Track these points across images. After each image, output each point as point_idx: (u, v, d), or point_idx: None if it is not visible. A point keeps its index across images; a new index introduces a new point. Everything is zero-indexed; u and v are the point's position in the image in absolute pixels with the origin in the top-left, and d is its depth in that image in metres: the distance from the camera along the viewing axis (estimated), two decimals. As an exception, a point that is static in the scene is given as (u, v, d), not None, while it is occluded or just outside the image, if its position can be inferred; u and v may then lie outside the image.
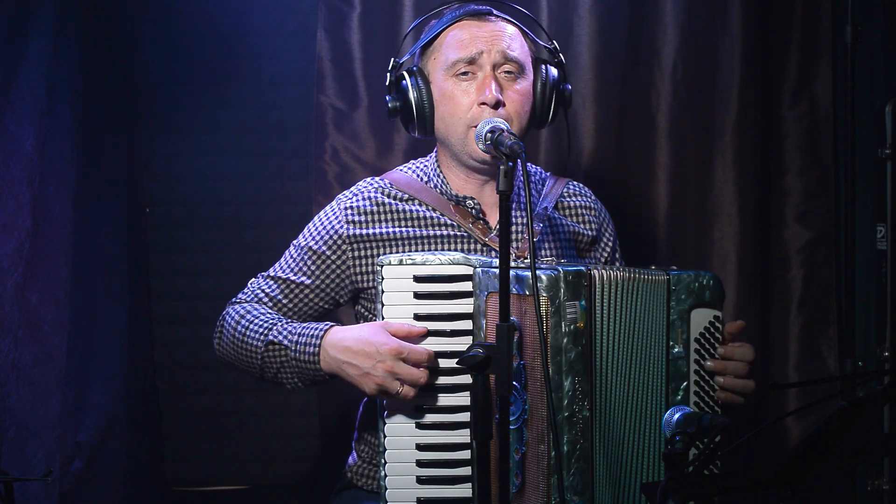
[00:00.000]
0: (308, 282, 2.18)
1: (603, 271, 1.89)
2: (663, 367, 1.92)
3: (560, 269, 1.84)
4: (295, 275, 2.19)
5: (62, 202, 2.54)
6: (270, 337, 2.08)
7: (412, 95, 2.13)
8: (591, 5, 2.86)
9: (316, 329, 2.03)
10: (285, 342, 2.06)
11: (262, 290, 2.21)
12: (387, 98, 2.18)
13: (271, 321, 2.12)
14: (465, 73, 2.10)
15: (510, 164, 1.76)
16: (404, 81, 2.15)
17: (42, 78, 2.44)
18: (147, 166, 3.15)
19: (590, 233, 2.28)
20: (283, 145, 3.18)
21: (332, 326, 2.03)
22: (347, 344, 1.97)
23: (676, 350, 1.92)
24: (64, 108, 2.55)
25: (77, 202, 2.61)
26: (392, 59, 2.19)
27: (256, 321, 2.12)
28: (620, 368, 1.89)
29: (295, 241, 2.23)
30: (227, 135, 3.18)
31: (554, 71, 2.19)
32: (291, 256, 2.22)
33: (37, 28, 2.42)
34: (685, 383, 1.93)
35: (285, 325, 2.09)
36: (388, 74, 2.18)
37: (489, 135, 1.92)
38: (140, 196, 3.14)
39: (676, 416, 1.74)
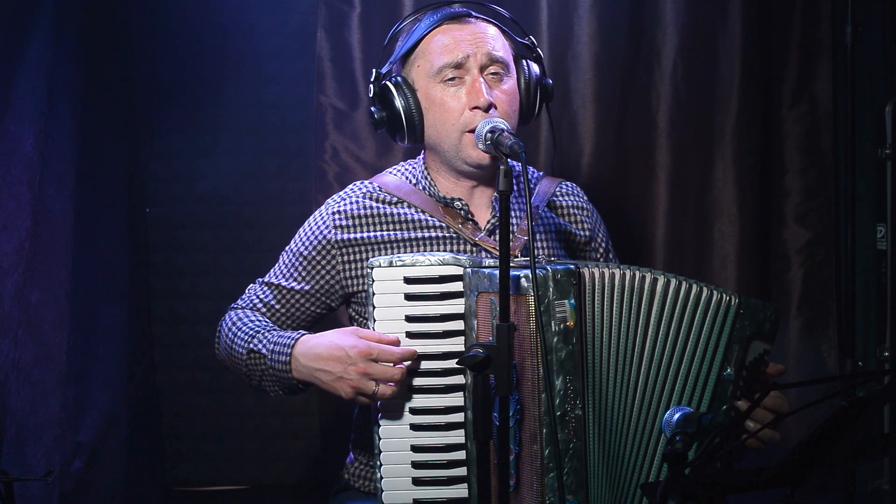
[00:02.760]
0: (299, 287, 2.18)
1: (595, 270, 1.88)
2: (711, 385, 1.90)
3: (549, 267, 1.84)
4: (287, 280, 2.19)
5: (62, 202, 2.54)
6: (252, 346, 2.09)
7: (399, 105, 2.11)
8: (591, 5, 2.86)
9: (288, 338, 2.03)
10: (263, 351, 2.07)
11: (258, 297, 2.21)
12: (372, 109, 2.15)
13: (256, 329, 2.12)
14: (452, 79, 2.09)
15: (510, 163, 1.76)
16: (389, 92, 2.12)
17: (42, 78, 2.43)
18: (147, 166, 3.16)
19: (582, 233, 2.28)
20: (283, 145, 3.19)
21: (303, 335, 2.03)
22: (318, 351, 1.97)
23: (728, 372, 1.90)
24: (64, 108, 2.55)
25: (77, 202, 2.60)
26: (374, 70, 2.16)
27: (244, 328, 2.13)
28: (622, 368, 1.88)
29: (287, 247, 2.23)
30: (227, 135, 3.18)
31: (535, 67, 2.19)
32: (284, 262, 2.22)
33: (37, 28, 2.42)
34: (726, 406, 1.90)
35: (266, 334, 2.09)
36: (371, 86, 2.15)
37: (489, 135, 1.92)
38: (140, 196, 3.14)
39: (676, 416, 1.74)
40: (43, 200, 2.45)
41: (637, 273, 1.90)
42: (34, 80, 2.41)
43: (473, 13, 2.16)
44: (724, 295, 1.91)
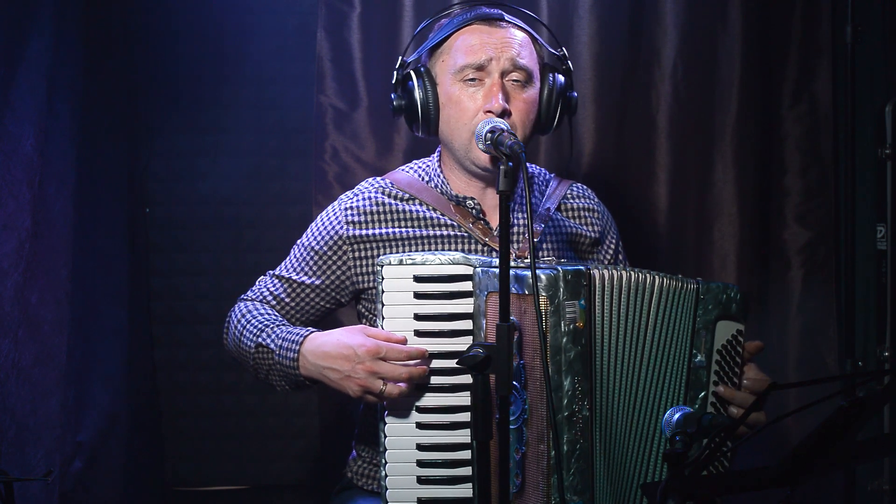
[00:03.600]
0: (310, 281, 2.19)
1: (605, 271, 1.88)
2: (684, 374, 1.92)
3: (559, 268, 1.84)
4: (298, 274, 2.20)
5: (62, 202, 2.54)
6: (260, 340, 2.09)
7: (418, 96, 2.12)
8: (591, 5, 2.86)
9: (297, 335, 2.03)
10: (272, 346, 2.07)
11: (268, 289, 2.22)
12: (392, 96, 2.16)
13: (265, 322, 2.12)
14: (472, 79, 2.09)
15: (510, 164, 1.76)
16: (411, 81, 2.14)
17: (42, 78, 2.43)
18: (147, 166, 3.16)
19: (592, 234, 2.28)
20: (283, 145, 3.19)
21: (311, 333, 2.03)
22: (326, 349, 1.97)
23: (699, 359, 1.92)
24: (64, 108, 2.55)
25: (77, 202, 2.60)
26: (399, 58, 2.18)
27: (254, 321, 2.13)
28: (624, 369, 1.89)
29: (299, 241, 2.24)
30: (227, 135, 3.18)
31: (561, 78, 2.18)
32: (295, 256, 2.22)
33: (37, 28, 2.42)
34: (703, 393, 1.92)
35: (275, 329, 2.10)
36: (395, 72, 2.16)
37: (489, 135, 1.91)
38: (140, 196, 3.15)
39: (676, 416, 1.73)
40: (43, 200, 2.45)
41: (640, 275, 1.91)
42: (34, 80, 2.41)
43: (506, 17, 2.15)
44: (686, 283, 1.93)
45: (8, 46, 2.32)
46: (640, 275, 1.91)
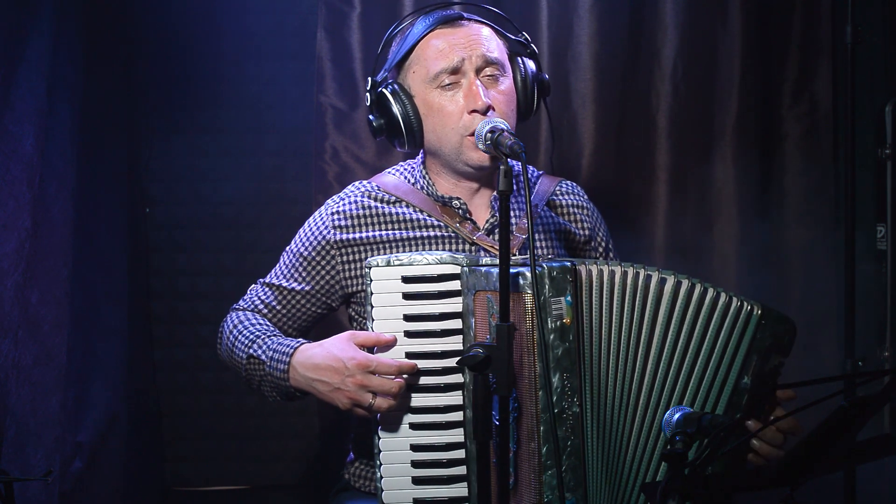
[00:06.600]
0: (300, 288, 2.19)
1: (592, 267, 1.87)
2: (726, 393, 1.87)
3: (544, 265, 1.84)
4: (288, 281, 2.20)
5: (62, 202, 2.54)
6: (251, 351, 2.10)
7: (397, 112, 2.11)
8: (591, 5, 2.86)
9: (287, 346, 2.04)
10: (263, 357, 2.07)
11: (259, 298, 2.22)
12: (370, 118, 2.15)
13: (256, 333, 2.13)
14: (449, 84, 2.09)
15: (510, 163, 1.76)
16: (387, 100, 2.12)
17: (42, 78, 2.44)
18: (147, 166, 3.16)
19: (582, 232, 2.28)
20: (283, 145, 3.19)
21: (301, 344, 2.03)
22: (315, 361, 1.97)
23: (745, 381, 1.88)
24: (64, 108, 2.55)
25: (77, 202, 2.61)
26: (369, 79, 2.16)
27: (245, 332, 2.14)
28: (620, 366, 1.87)
29: (287, 248, 2.24)
30: (227, 135, 3.18)
31: (531, 63, 2.19)
32: (284, 263, 2.23)
33: (37, 28, 2.42)
34: (739, 415, 1.87)
35: (266, 340, 2.10)
36: (368, 94, 2.15)
37: (489, 135, 1.92)
38: (140, 196, 3.15)
39: (676, 416, 1.73)
40: (43, 200, 2.45)
41: (642, 272, 1.88)
42: (34, 80, 2.41)
43: (465, 15, 2.15)
44: (746, 303, 1.89)
45: (8, 46, 2.33)
46: (644, 272, 1.88)
